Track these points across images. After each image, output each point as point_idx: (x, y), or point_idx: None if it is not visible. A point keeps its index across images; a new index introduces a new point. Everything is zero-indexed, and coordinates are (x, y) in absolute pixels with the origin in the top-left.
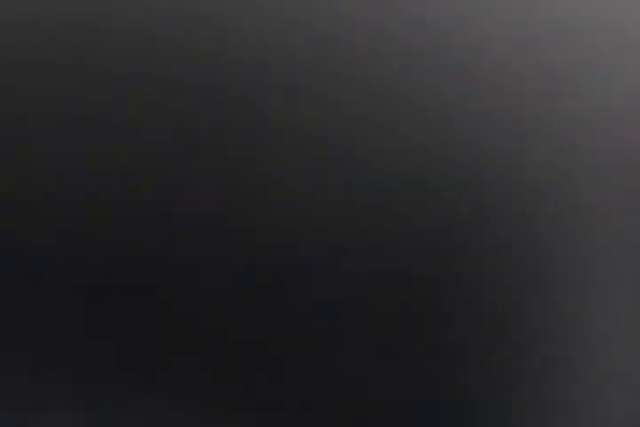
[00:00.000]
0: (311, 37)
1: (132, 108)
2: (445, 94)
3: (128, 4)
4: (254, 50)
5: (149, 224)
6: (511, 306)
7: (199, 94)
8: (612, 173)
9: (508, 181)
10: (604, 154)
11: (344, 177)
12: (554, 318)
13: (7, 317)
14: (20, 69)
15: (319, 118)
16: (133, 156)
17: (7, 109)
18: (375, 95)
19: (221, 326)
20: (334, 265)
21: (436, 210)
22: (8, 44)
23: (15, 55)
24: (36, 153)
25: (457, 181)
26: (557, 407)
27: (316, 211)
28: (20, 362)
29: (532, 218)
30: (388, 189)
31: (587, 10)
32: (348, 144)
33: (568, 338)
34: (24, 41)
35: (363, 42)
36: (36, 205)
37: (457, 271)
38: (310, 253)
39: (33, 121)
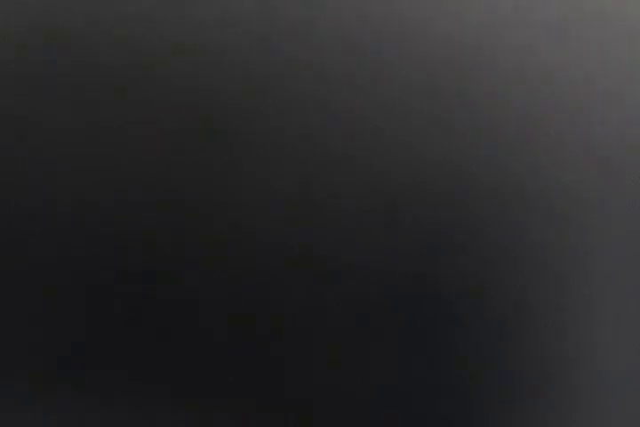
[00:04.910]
0: (310, 37)
1: (128, 108)
2: (444, 94)
3: (128, 5)
4: (248, 51)
5: (143, 225)
6: (510, 306)
7: (196, 95)
8: (611, 172)
9: (508, 182)
10: (604, 153)
11: (342, 178)
12: (553, 317)
13: (7, 317)
14: (19, 70)
15: (312, 120)
16: (128, 156)
17: (7, 110)
18: (371, 96)
19: (220, 327)
20: (332, 265)
21: (434, 210)
22: (8, 44)
23: (15, 56)
24: (35, 153)
25: (456, 181)
26: (557, 407)
27: (313, 211)
28: (20, 363)
29: (531, 218)
30: (386, 189)
31: (580, 6)
32: (346, 146)
33: (567, 338)
34: (24, 41)
35: (361, 42)
36: (35, 205)
37: (456, 272)
38: (307, 253)
39: (31, 122)
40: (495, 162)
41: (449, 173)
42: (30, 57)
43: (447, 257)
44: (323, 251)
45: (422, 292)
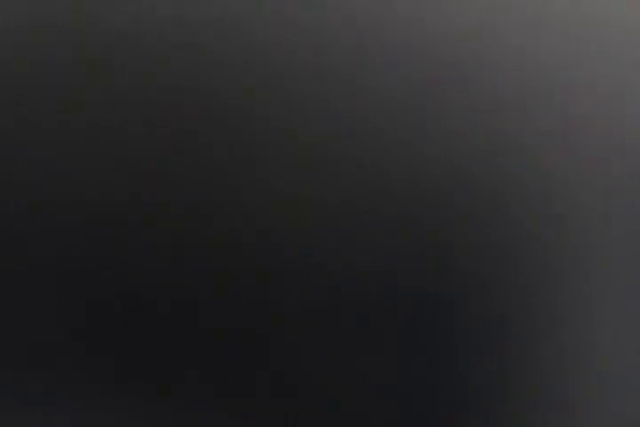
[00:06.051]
0: (310, 37)
1: (128, 108)
2: (444, 94)
3: (129, 6)
4: (247, 51)
5: (143, 225)
6: (510, 306)
7: (195, 95)
8: (611, 172)
9: (508, 182)
10: (604, 153)
11: (342, 178)
12: (552, 317)
13: (7, 317)
14: (20, 70)
15: (312, 120)
16: (128, 156)
17: (7, 110)
18: (371, 96)
19: (220, 327)
20: (332, 265)
21: (434, 210)
22: (9, 44)
23: (15, 56)
24: (35, 153)
25: (456, 181)
26: (557, 407)
27: (313, 211)
28: (20, 363)
29: (531, 218)
30: (386, 189)
31: (576, 8)
32: (346, 146)
33: (567, 337)
34: (24, 42)
35: (361, 42)
36: (35, 205)
37: (456, 272)
38: (307, 253)
39: (31, 122)
40: (495, 162)
41: (449, 173)
42: (30, 57)
43: (447, 257)
44: (323, 251)
45: (422, 292)
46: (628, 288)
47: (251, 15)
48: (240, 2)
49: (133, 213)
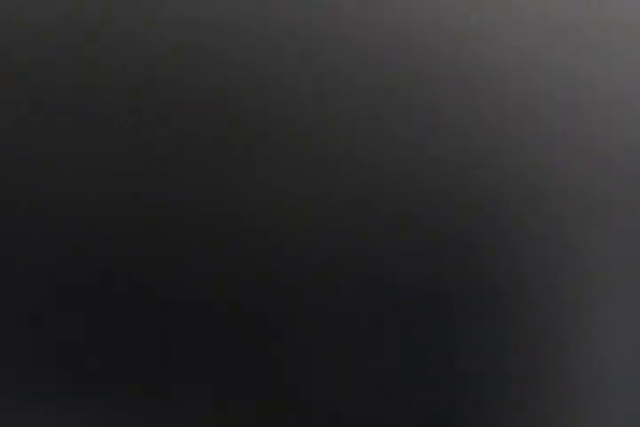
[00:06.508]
0: (310, 37)
1: (128, 108)
2: (445, 92)
3: (130, 6)
4: (247, 51)
5: (143, 225)
6: (510, 305)
7: (195, 95)
8: (611, 172)
9: (508, 182)
10: (604, 153)
11: (342, 178)
12: (552, 317)
13: (7, 317)
14: (20, 70)
15: (312, 120)
16: (128, 156)
17: (7, 110)
18: (371, 95)
19: (220, 327)
20: (332, 265)
21: (434, 210)
22: (9, 44)
23: (16, 56)
24: (35, 153)
25: (456, 181)
26: (557, 407)
27: (313, 211)
28: (20, 363)
29: (531, 218)
30: (386, 189)
31: (577, 8)
32: (346, 146)
33: (567, 337)
34: (24, 42)
35: (361, 43)
36: (35, 205)
37: (456, 272)
38: (307, 252)
39: (32, 122)
40: (495, 162)
41: (449, 173)
42: (31, 57)
43: (447, 257)
44: (323, 251)
45: (422, 292)
46: (627, 288)
47: (251, 15)
48: (240, 2)
49: (133, 213)
